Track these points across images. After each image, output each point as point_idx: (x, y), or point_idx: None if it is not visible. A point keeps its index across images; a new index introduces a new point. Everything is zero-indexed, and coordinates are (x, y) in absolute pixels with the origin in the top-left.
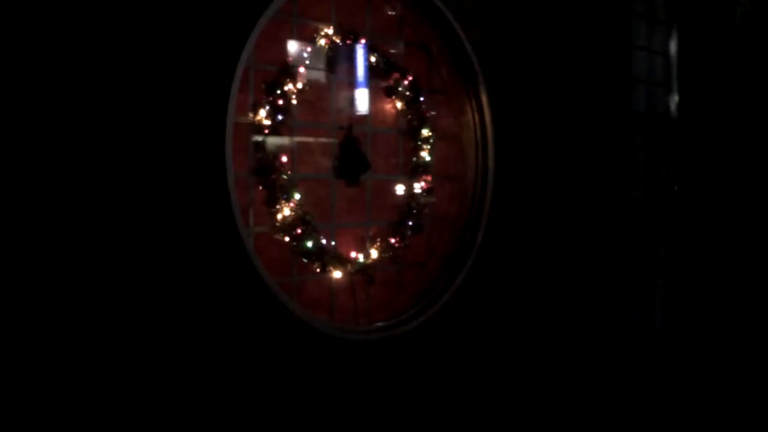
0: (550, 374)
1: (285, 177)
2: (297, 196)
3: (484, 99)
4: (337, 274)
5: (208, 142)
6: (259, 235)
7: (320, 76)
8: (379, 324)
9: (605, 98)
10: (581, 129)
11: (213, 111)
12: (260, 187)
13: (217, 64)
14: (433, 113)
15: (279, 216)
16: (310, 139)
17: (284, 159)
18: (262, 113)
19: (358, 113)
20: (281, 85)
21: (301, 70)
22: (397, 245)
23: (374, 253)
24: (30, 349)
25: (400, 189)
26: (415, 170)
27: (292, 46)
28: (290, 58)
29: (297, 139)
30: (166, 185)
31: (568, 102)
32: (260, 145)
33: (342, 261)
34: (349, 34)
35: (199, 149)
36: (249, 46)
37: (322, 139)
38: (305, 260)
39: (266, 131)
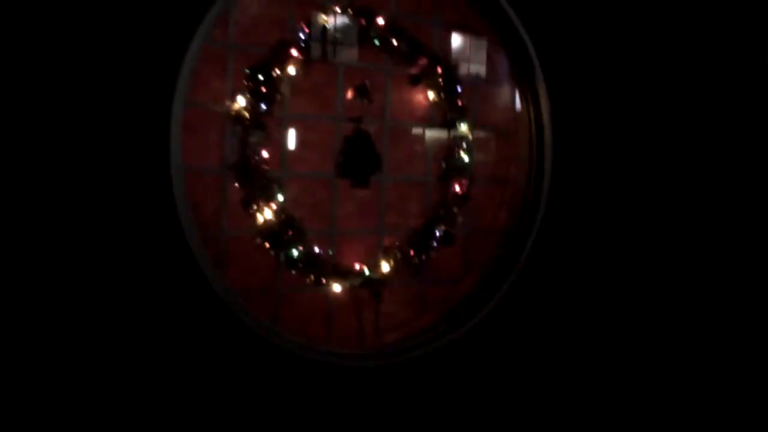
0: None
1: (266, 175)
2: (280, 197)
3: (541, 90)
4: (337, 288)
5: (150, 130)
6: (238, 239)
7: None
8: (385, 348)
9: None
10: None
11: (158, 94)
12: (236, 185)
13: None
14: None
15: (260, 219)
16: (307, 132)
17: (264, 154)
18: (241, 102)
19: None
20: (267, 70)
21: (294, 52)
22: (416, 258)
23: (385, 266)
24: None
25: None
26: (449, 172)
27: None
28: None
29: (288, 130)
30: (104, 181)
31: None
32: (240, 138)
33: (341, 273)
34: (363, 12)
35: (141, 138)
36: (207, 21)
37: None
38: (293, 271)
39: (246, 123)
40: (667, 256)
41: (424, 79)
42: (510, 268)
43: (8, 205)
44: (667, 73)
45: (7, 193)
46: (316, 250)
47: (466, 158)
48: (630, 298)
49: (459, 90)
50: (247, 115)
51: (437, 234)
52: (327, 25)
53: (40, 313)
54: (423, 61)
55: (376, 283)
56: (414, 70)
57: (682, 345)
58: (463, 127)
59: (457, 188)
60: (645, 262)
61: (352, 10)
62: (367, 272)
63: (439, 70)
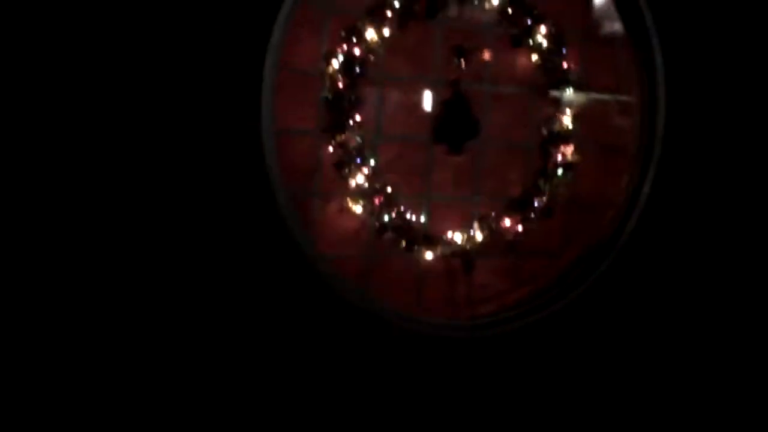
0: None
1: (358, 138)
2: (372, 162)
3: (657, 57)
4: (428, 256)
5: (243, 93)
6: (331, 203)
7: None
8: (477, 320)
9: None
10: None
11: (251, 56)
12: (329, 149)
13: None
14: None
15: (352, 183)
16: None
17: (358, 117)
18: (335, 64)
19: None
20: (362, 31)
21: (389, 13)
22: (511, 229)
23: (478, 236)
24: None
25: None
26: (551, 139)
27: None
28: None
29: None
30: (198, 144)
31: None
32: (335, 101)
33: (432, 241)
34: None
35: (234, 101)
36: None
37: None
38: (384, 237)
39: (339, 85)
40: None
41: (527, 39)
42: (611, 246)
43: (122, 167)
44: None
45: (119, 155)
46: (409, 216)
47: (569, 124)
48: (731, 290)
49: (564, 52)
50: (341, 77)
51: (536, 204)
52: None
53: (143, 274)
54: (525, 21)
55: (468, 253)
56: (515, 31)
57: None
58: (569, 92)
59: (560, 156)
60: (751, 254)
61: None
62: (459, 241)
63: (544, 29)
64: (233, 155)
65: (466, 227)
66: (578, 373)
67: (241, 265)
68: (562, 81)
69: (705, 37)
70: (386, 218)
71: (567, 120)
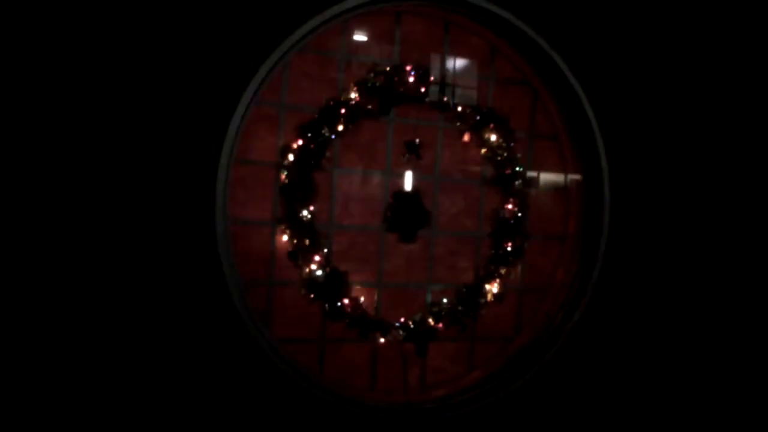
0: None
1: (313, 228)
2: (325, 250)
3: (599, 146)
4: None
5: (198, 185)
6: (285, 290)
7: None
8: (431, 403)
9: None
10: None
11: (207, 151)
12: (284, 238)
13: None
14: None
15: (306, 271)
16: (356, 187)
17: (305, 212)
18: (290, 157)
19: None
20: (317, 128)
21: (343, 110)
22: (464, 314)
23: (431, 321)
24: None
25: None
26: (502, 228)
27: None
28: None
29: (339, 183)
30: (154, 230)
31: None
32: (289, 193)
33: (386, 327)
34: (415, 70)
35: (190, 193)
36: (255, 82)
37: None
38: (336, 323)
39: (293, 176)
40: (720, 319)
41: (476, 134)
42: (561, 329)
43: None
44: (726, 124)
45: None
46: (362, 302)
47: (519, 213)
48: (686, 363)
49: (512, 145)
50: (296, 169)
51: (490, 289)
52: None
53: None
54: (474, 117)
55: (422, 337)
56: (465, 126)
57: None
58: (517, 183)
59: (510, 244)
60: (703, 326)
61: (401, 68)
62: (412, 327)
63: (492, 125)
64: (188, 245)
65: (419, 313)
66: None
67: (193, 353)
68: (512, 173)
69: (645, 124)
70: (339, 305)
71: (516, 209)
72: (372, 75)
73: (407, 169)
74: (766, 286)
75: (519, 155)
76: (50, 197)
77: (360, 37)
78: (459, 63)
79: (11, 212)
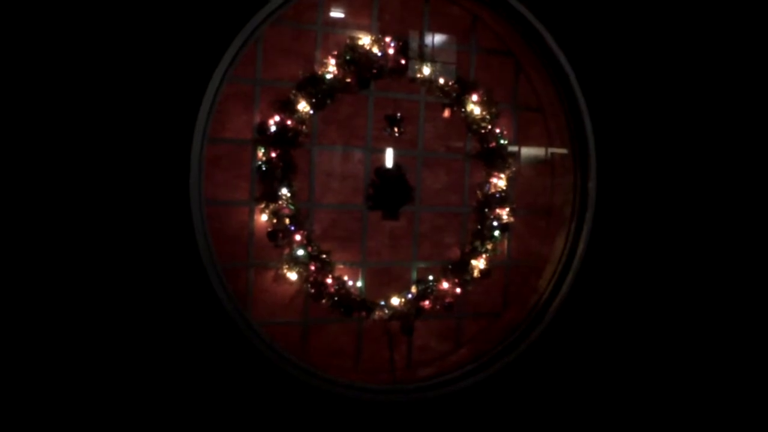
0: None
1: (291, 207)
2: (306, 229)
3: (585, 118)
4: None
5: (171, 166)
6: (265, 271)
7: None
8: (416, 383)
9: None
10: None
11: (179, 125)
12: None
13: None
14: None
15: (286, 251)
16: (337, 163)
17: (284, 190)
18: (267, 134)
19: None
20: (294, 104)
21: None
22: (450, 291)
23: (417, 299)
24: None
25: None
26: (487, 202)
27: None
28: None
29: (318, 160)
30: (131, 213)
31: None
32: (268, 171)
33: (369, 307)
34: (394, 41)
35: (163, 175)
36: (227, 57)
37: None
38: (319, 303)
39: (272, 154)
40: (708, 293)
41: (459, 107)
42: (549, 305)
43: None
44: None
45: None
46: (346, 281)
47: (504, 186)
48: (674, 338)
49: (496, 117)
50: (274, 147)
51: (476, 265)
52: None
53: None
54: (456, 89)
55: (408, 316)
56: (446, 99)
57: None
58: (501, 155)
59: (496, 219)
60: (691, 300)
61: (381, 40)
62: (397, 305)
63: (476, 97)
64: (163, 228)
65: (404, 291)
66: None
67: (172, 339)
68: (496, 147)
69: (632, 97)
70: (323, 285)
71: (501, 183)
72: (350, 48)
73: (389, 144)
74: (756, 257)
75: (503, 128)
76: (18, 181)
77: (337, 9)
78: (439, 36)
79: None
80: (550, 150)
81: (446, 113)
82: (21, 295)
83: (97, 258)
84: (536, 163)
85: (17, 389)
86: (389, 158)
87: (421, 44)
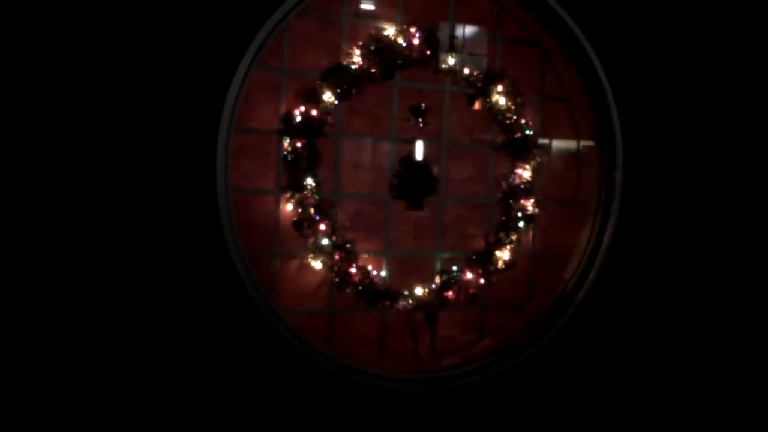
0: None
1: (316, 196)
2: (331, 219)
3: (613, 112)
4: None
5: (196, 153)
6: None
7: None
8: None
9: None
10: None
11: (206, 115)
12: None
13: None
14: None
15: (311, 240)
16: (362, 153)
17: (309, 180)
18: (293, 124)
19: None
20: (320, 94)
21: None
22: (474, 282)
23: (441, 289)
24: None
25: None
26: (512, 193)
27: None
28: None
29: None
30: (157, 203)
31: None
32: (293, 160)
33: (393, 296)
34: (420, 32)
35: (189, 164)
36: (254, 46)
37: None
38: (344, 292)
39: (298, 144)
40: (741, 288)
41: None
42: (573, 296)
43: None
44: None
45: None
46: (370, 270)
47: (528, 178)
48: (700, 335)
49: (522, 108)
50: (299, 137)
51: (500, 256)
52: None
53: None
54: (481, 79)
55: (432, 306)
56: (473, 91)
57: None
58: (527, 146)
59: (521, 210)
60: (718, 291)
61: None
62: (421, 295)
63: (501, 88)
64: (190, 216)
65: (428, 281)
66: (543, 424)
67: (198, 326)
68: (522, 137)
69: (659, 88)
70: (347, 274)
71: (526, 174)
72: (375, 38)
73: (414, 135)
74: None
75: (529, 119)
76: (46, 177)
77: (363, 0)
78: (467, 27)
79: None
80: (577, 141)
81: (477, 105)
82: (52, 282)
83: (125, 246)
84: (562, 154)
85: (42, 376)
86: (419, 150)
87: (452, 35)
